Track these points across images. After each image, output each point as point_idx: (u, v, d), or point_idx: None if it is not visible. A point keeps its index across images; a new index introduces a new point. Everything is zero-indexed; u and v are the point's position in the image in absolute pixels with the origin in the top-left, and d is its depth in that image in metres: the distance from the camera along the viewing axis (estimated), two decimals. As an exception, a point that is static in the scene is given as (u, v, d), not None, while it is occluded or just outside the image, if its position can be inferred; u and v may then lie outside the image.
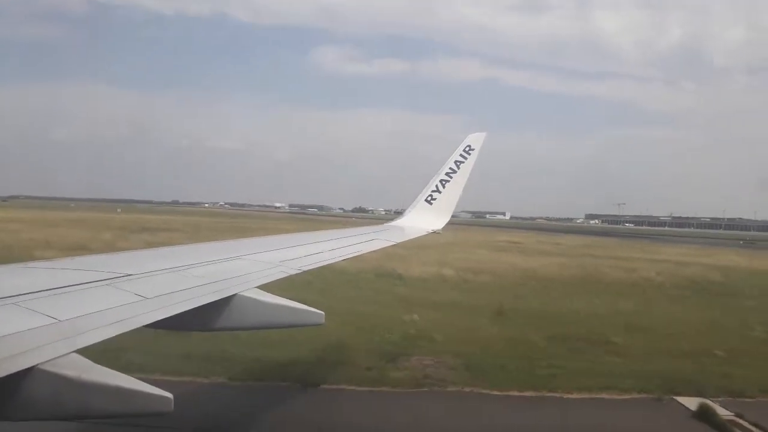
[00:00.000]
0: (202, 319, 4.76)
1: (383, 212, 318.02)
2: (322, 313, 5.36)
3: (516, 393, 12.51)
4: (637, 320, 19.78)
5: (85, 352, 3.30)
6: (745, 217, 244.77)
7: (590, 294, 25.81)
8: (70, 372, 3.21)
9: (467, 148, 11.21)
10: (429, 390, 12.56)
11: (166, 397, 3.41)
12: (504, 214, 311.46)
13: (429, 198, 11.08)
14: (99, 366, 3.38)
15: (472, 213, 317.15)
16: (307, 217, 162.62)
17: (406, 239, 10.11)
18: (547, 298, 24.32)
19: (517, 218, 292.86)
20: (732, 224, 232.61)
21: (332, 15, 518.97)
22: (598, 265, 37.40)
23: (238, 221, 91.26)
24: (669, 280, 31.78)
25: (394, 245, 9.45)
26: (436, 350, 15.09)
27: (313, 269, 6.53)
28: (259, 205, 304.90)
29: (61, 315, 3.54)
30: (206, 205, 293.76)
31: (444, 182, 11.10)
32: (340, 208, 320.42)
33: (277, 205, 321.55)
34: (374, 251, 8.74)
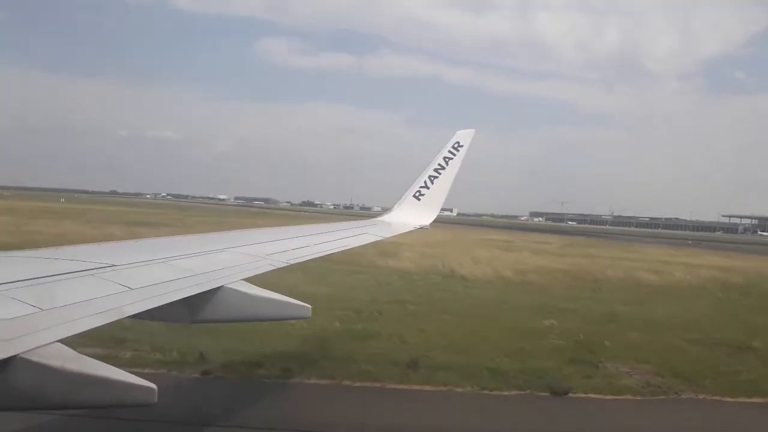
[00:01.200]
0: (187, 310, 4.73)
1: (332, 206, 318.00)
2: (309, 306, 5.43)
3: (745, 399, 12.71)
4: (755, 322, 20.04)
5: (68, 342, 3.26)
6: (681, 216, 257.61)
7: (665, 296, 26.20)
8: (53, 362, 3.16)
9: (456, 145, 11.25)
10: (670, 398, 12.65)
11: (151, 388, 3.40)
12: (451, 210, 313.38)
13: (417, 194, 11.11)
14: (83, 356, 3.35)
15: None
16: (267, 212, 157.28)
17: (395, 234, 10.27)
18: (633, 302, 23.97)
19: (463, 215, 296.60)
20: (669, 224, 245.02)
21: (279, 6, 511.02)
22: (625, 267, 37.62)
23: (197, 217, 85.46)
24: (706, 283, 32.29)
25: (382, 239, 9.59)
26: (614, 356, 15.08)
27: (301, 262, 6.55)
28: (202, 197, 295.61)
29: (43, 304, 3.47)
30: (147, 196, 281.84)
31: (432, 178, 11.13)
32: (287, 202, 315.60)
33: (222, 197, 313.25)
34: (364, 245, 8.94)
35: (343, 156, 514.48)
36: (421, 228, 10.91)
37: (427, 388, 12.29)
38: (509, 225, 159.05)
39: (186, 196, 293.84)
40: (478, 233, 79.23)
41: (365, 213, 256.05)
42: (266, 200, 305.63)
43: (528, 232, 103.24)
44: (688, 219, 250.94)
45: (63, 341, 3.23)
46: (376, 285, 24.64)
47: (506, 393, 12.31)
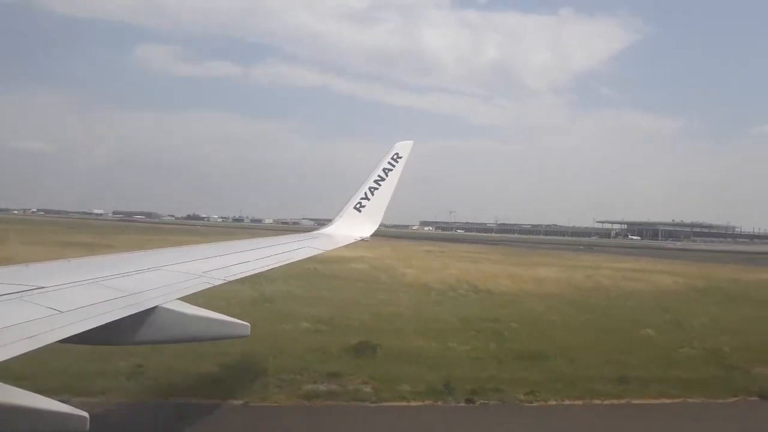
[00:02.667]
0: (121, 332, 4.63)
1: (219, 220, 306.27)
2: (248, 324, 5.46)
3: None
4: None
5: None
6: (559, 223, 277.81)
7: (696, 304, 27.08)
8: None
9: (395, 156, 11.48)
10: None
11: (82, 416, 3.35)
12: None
13: (358, 205, 11.23)
14: (7, 385, 3.29)
15: (314, 220, 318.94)
16: (155, 227, 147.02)
17: (336, 247, 10.34)
18: (671, 309, 24.77)
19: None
20: (550, 230, 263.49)
21: (159, 12, 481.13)
22: (609, 277, 39.00)
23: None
24: (701, 290, 34.08)
25: (323, 252, 9.69)
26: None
27: (239, 279, 6.51)
28: (77, 212, 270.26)
29: None
30: (15, 212, 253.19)
31: (372, 189, 11.29)
32: (170, 215, 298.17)
33: (98, 211, 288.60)
34: (304, 259, 8.92)
35: (230, 167, 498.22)
36: (362, 239, 11.06)
37: (665, 401, 12.76)
38: (404, 234, 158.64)
39: (59, 212, 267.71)
40: (403, 244, 76.75)
41: (256, 226, 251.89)
42: (148, 214, 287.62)
43: (437, 242, 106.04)
44: (566, 225, 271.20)
45: None
46: (428, 303, 24.73)
47: (729, 400, 13.04)
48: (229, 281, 6.18)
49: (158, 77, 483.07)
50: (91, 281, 5.00)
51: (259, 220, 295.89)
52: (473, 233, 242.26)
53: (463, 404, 12.01)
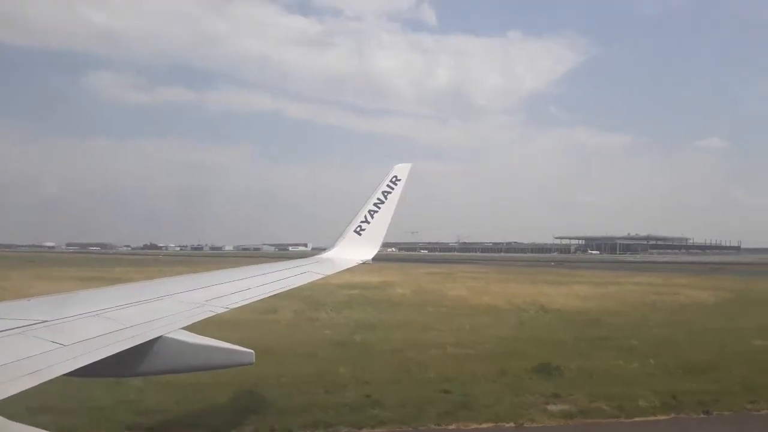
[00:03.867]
0: (126, 364, 4.69)
1: (178, 248, 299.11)
2: (252, 352, 5.49)
3: None
4: None
5: None
6: (518, 240, 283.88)
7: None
8: None
9: (394, 179, 11.64)
10: None
11: None
12: (306, 245, 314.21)
13: (358, 229, 11.35)
14: (11, 422, 3.28)
15: (276, 245, 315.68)
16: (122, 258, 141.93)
17: (337, 271, 10.30)
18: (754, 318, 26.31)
19: (317, 248, 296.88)
20: (510, 248, 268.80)
21: (111, 40, 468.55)
22: (646, 292, 40.59)
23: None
24: (746, 301, 35.96)
25: (325, 276, 9.61)
26: None
27: (241, 306, 6.54)
28: (26, 246, 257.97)
29: None
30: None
31: (372, 212, 11.42)
32: (126, 246, 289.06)
33: (49, 244, 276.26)
34: (306, 284, 8.87)
35: (186, 193, 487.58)
36: (364, 263, 11.13)
37: None
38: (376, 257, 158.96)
39: (8, 246, 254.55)
40: (397, 268, 72.30)
41: (217, 253, 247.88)
42: (103, 245, 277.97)
43: (419, 263, 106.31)
44: (526, 242, 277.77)
45: None
46: (523, 325, 25.36)
47: None
48: (230, 309, 6.19)
49: (110, 105, 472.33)
50: (93, 314, 5.03)
51: (219, 248, 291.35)
52: (437, 253, 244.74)
53: (702, 416, 12.73)
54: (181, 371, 5.59)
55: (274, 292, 7.57)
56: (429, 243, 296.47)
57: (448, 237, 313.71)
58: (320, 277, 9.32)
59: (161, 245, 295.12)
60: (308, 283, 8.86)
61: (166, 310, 5.61)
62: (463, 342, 20.13)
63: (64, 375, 3.66)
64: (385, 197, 11.47)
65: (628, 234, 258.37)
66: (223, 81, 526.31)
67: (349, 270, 10.71)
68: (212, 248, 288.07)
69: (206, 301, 6.16)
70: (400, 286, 45.57)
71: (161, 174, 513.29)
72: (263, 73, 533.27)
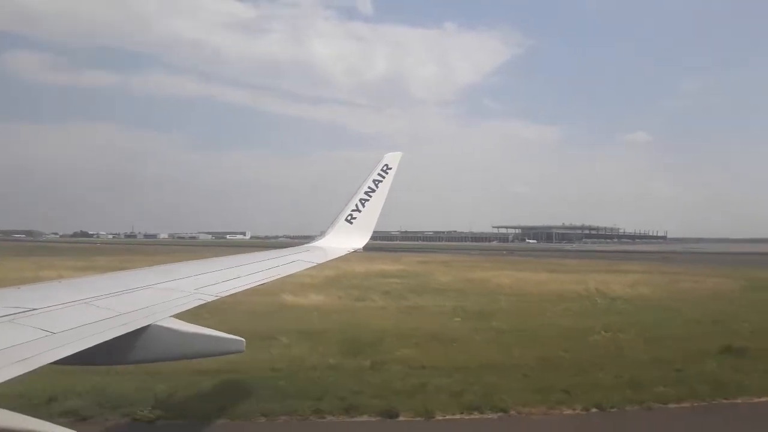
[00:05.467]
0: (115, 352, 4.71)
1: (110, 236, 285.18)
2: (243, 340, 5.56)
3: None
4: None
5: None
6: (459, 229, 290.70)
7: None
8: None
9: (385, 167, 11.78)
10: None
11: None
12: (244, 234, 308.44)
13: (349, 217, 11.46)
14: (3, 410, 3.34)
15: (213, 234, 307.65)
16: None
17: (329, 259, 10.38)
18: None
19: (256, 237, 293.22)
20: (451, 236, 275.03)
21: (28, 18, 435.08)
22: (669, 281, 42.63)
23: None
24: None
25: (317, 264, 9.72)
26: None
27: (233, 294, 6.58)
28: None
29: None
30: None
31: (363, 201, 11.52)
32: (54, 233, 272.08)
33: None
34: (297, 273, 8.93)
35: (115, 180, 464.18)
36: (355, 251, 11.25)
37: None
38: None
39: None
40: (387, 257, 75.78)
41: (150, 241, 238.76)
42: (28, 232, 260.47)
43: (395, 253, 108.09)
44: (466, 231, 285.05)
45: None
46: (611, 312, 26.82)
47: None
48: (222, 297, 6.25)
49: (29, 86, 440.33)
50: (82, 302, 5.05)
51: (154, 236, 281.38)
52: (379, 241, 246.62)
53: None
54: (170, 359, 5.55)
55: (265, 281, 7.62)
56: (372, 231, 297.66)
57: (388, 226, 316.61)
58: (311, 265, 9.41)
59: (92, 233, 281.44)
60: (298, 271, 8.90)
61: (156, 298, 5.65)
62: (611, 327, 21.08)
63: (53, 363, 3.68)
64: (377, 186, 11.60)
65: (563, 223, 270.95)
66: (152, 64, 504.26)
67: (340, 259, 10.89)
68: (146, 236, 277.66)
69: (196, 289, 6.20)
70: (434, 275, 46.75)
71: (88, 159, 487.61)
72: (195, 58, 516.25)
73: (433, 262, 67.50)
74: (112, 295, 5.47)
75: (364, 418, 11.98)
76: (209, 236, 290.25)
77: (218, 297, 6.19)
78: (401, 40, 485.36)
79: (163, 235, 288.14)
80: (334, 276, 43.58)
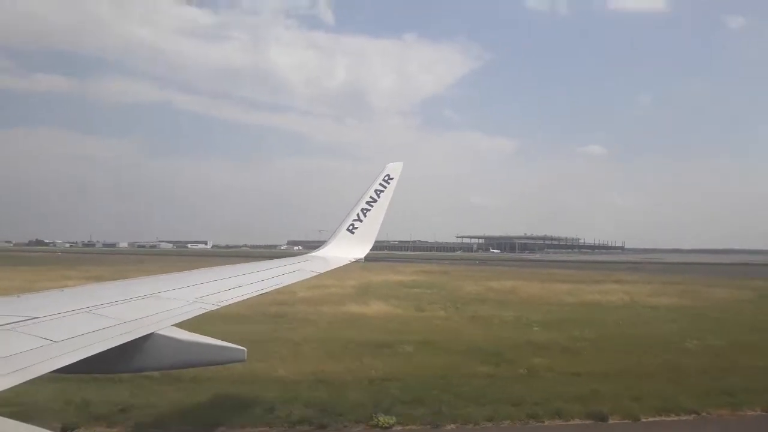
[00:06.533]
0: (116, 360, 4.71)
1: (68, 245, 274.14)
2: (244, 349, 5.63)
3: None
4: None
5: None
6: (423, 239, 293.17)
7: None
8: None
9: (386, 178, 11.77)
10: None
11: None
12: (206, 243, 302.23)
13: (351, 227, 11.45)
14: (3, 418, 3.33)
15: (174, 243, 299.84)
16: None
17: (329, 269, 10.29)
18: None
19: (219, 247, 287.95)
20: (417, 246, 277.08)
21: None
22: (675, 291, 44.64)
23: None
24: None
25: (318, 274, 9.67)
26: None
27: (235, 303, 6.58)
28: None
29: None
30: None
31: (365, 211, 11.53)
32: (7, 242, 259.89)
33: None
34: (298, 282, 8.93)
35: (70, 188, 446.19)
36: (356, 261, 11.19)
37: None
38: (275, 254, 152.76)
39: None
40: (384, 268, 79.29)
41: (110, 250, 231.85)
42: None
43: (385, 262, 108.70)
44: (431, 241, 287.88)
45: None
46: (666, 320, 28.52)
47: None
48: (222, 306, 6.24)
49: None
50: (84, 310, 5.03)
51: (113, 244, 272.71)
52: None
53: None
54: (172, 368, 5.67)
55: (266, 290, 7.59)
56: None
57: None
58: (313, 275, 9.33)
59: (48, 241, 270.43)
60: (299, 281, 8.87)
61: (158, 307, 5.63)
62: (689, 335, 22.61)
63: (54, 372, 3.67)
64: (378, 196, 11.61)
65: (525, 234, 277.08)
66: (109, 70, 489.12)
67: (341, 269, 10.85)
68: (105, 245, 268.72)
69: (197, 298, 6.18)
70: (454, 285, 47.83)
71: (41, 166, 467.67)
72: (153, 63, 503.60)
73: (435, 272, 68.61)
74: (113, 303, 5.44)
75: (577, 421, 12.85)
76: (170, 245, 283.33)
77: (219, 306, 6.16)
78: (362, 50, 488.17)
79: (123, 244, 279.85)
80: (360, 286, 44.23)
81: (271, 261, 10.26)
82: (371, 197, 11.58)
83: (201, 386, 14.41)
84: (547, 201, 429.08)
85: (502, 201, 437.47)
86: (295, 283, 8.79)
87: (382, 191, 11.64)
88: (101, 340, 4.27)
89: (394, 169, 11.96)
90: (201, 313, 5.72)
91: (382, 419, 12.22)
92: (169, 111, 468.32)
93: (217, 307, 6.06)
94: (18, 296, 5.68)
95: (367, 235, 11.44)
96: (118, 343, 4.37)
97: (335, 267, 10.45)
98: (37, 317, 4.49)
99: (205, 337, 5.58)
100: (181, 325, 5.38)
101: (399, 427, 12.20)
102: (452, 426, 12.42)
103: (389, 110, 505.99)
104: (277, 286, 7.94)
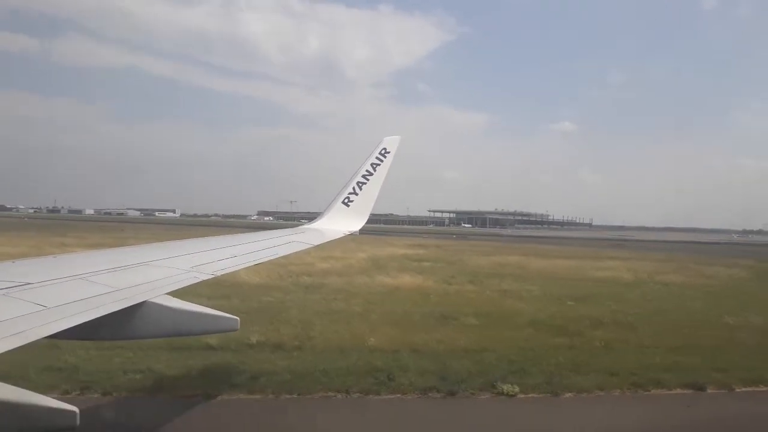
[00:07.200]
0: (109, 327, 4.75)
1: (31, 210, 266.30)
2: (237, 318, 5.69)
3: None
4: None
5: None
6: (396, 212, 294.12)
7: None
8: None
9: (383, 151, 11.83)
10: None
11: (71, 411, 3.45)
12: (174, 211, 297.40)
13: (346, 200, 11.53)
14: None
15: (141, 210, 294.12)
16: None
17: (325, 241, 10.39)
18: None
19: (187, 216, 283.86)
20: (389, 219, 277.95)
21: None
22: (676, 269, 46.45)
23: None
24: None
25: (313, 246, 9.76)
26: None
27: (228, 273, 6.58)
28: None
29: None
30: None
31: (361, 184, 11.58)
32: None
33: None
34: (292, 254, 8.97)
35: (32, 152, 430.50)
36: (351, 234, 11.29)
37: None
38: (248, 225, 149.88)
39: None
40: (372, 241, 79.54)
41: (77, 216, 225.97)
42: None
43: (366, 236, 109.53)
44: (403, 215, 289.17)
45: None
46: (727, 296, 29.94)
47: None
48: (217, 275, 6.26)
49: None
50: (77, 277, 5.06)
51: (79, 211, 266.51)
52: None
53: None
54: (165, 336, 5.63)
55: (261, 261, 7.73)
56: (308, 213, 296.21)
57: (325, 207, 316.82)
58: (307, 246, 9.46)
59: (10, 206, 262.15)
60: (294, 252, 8.96)
61: (152, 275, 5.65)
62: (720, 312, 23.57)
63: (47, 337, 3.70)
64: (374, 169, 11.70)
65: (495, 209, 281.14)
66: (74, 30, 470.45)
67: (339, 242, 11.09)
68: (71, 211, 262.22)
69: (192, 267, 6.22)
70: (459, 258, 48.72)
71: (2, 129, 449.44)
72: (120, 26, 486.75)
73: (429, 246, 69.36)
74: (107, 271, 5.46)
75: (677, 391, 13.68)
76: (138, 213, 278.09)
77: (214, 275, 6.17)
78: (335, 19, 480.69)
79: (89, 211, 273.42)
80: (369, 258, 44.80)
81: (264, 232, 10.30)
82: (367, 170, 11.67)
83: (315, 355, 14.89)
84: (517, 176, 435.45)
85: (472, 175, 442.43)
86: (292, 254, 8.87)
87: (379, 165, 11.73)
88: (94, 307, 4.30)
89: (391, 142, 12.02)
90: (195, 282, 5.79)
91: (506, 387, 12.80)
92: (137, 75, 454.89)
93: (210, 276, 6.09)
94: (12, 262, 5.70)
95: (362, 209, 11.61)
96: (111, 311, 4.38)
97: (330, 239, 10.58)
98: (30, 283, 4.51)
99: (199, 306, 5.55)
100: (175, 293, 5.39)
101: (522, 396, 12.77)
102: (570, 395, 13.03)
103: (362, 82, 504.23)
104: (272, 257, 8.04)
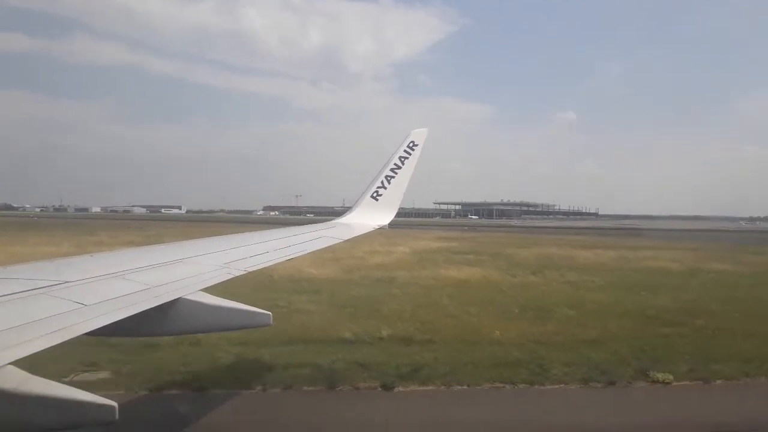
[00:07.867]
0: (145, 324, 4.94)
1: (38, 209, 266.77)
2: (270, 314, 5.79)
3: None
4: None
5: (22, 363, 3.29)
6: (402, 205, 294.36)
7: None
8: (6, 385, 3.32)
9: (411, 144, 11.83)
10: None
11: (110, 406, 3.53)
12: (180, 208, 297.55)
13: (375, 194, 11.55)
14: (36, 377, 3.50)
15: (147, 207, 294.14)
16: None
17: (355, 235, 10.38)
18: None
19: (193, 212, 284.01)
20: (397, 212, 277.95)
21: None
22: (712, 258, 48.04)
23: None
24: None
25: (342, 241, 9.76)
26: None
27: (260, 269, 6.68)
28: None
29: None
30: None
31: (389, 178, 11.61)
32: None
33: None
34: (324, 248, 9.00)
35: (38, 152, 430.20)
36: (380, 228, 11.30)
37: None
38: (257, 220, 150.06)
39: None
40: (403, 235, 79.81)
41: (83, 215, 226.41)
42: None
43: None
44: (409, 207, 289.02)
45: (16, 363, 3.24)
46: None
47: None
48: (249, 271, 6.38)
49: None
50: (113, 275, 5.20)
51: (85, 209, 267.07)
52: (324, 217, 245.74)
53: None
54: (199, 332, 5.85)
55: (293, 256, 7.82)
56: (312, 207, 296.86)
57: (332, 202, 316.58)
58: (336, 241, 9.49)
59: (17, 206, 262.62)
60: (324, 247, 9.03)
61: (186, 272, 5.80)
62: None
63: (85, 334, 3.79)
64: (402, 162, 11.73)
65: (501, 200, 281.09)
66: (77, 29, 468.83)
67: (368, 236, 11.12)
68: (77, 209, 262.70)
69: (225, 263, 6.36)
70: (500, 251, 49.15)
71: (6, 129, 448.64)
72: (124, 24, 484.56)
73: (456, 239, 69.60)
74: (143, 269, 5.62)
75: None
76: (144, 210, 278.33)
77: (247, 271, 6.29)
78: (337, 12, 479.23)
79: (96, 209, 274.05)
80: (413, 252, 45.27)
81: (294, 228, 10.44)
82: (395, 164, 11.71)
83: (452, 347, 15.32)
84: (521, 167, 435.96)
85: (476, 167, 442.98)
86: (322, 248, 8.94)
87: (407, 158, 11.76)
88: (130, 304, 4.43)
89: (419, 135, 12.01)
90: (228, 278, 5.92)
91: (660, 375, 13.25)
92: (141, 74, 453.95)
93: (243, 272, 6.22)
94: (51, 261, 5.92)
95: (391, 202, 11.70)
96: (147, 308, 4.51)
97: (359, 234, 10.59)
98: (68, 281, 4.66)
99: (232, 301, 5.66)
100: (209, 290, 5.53)
101: (677, 383, 13.22)
102: (720, 381, 13.46)
103: (365, 75, 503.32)
104: (303, 253, 8.17)
